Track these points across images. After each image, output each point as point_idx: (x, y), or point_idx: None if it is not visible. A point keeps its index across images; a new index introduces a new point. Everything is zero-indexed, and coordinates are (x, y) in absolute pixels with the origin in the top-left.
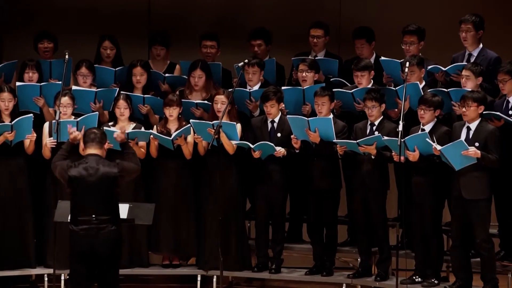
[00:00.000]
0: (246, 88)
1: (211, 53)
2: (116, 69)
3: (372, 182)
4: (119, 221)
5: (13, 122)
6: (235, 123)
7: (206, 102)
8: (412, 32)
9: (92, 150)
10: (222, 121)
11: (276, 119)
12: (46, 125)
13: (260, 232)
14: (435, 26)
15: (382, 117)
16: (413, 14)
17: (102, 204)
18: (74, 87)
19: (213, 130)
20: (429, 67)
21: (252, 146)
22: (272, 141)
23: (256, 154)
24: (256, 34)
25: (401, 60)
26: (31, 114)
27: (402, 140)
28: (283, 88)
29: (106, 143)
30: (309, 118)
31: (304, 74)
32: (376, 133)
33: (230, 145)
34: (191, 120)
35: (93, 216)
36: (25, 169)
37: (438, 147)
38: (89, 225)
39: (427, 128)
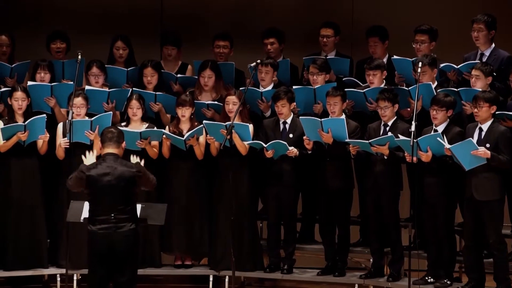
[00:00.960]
0: (258, 88)
1: (223, 53)
2: (128, 69)
3: (385, 182)
4: (137, 220)
5: (26, 123)
6: (247, 124)
7: (217, 103)
8: (423, 31)
9: (110, 149)
10: (235, 122)
11: (288, 120)
12: (60, 126)
13: (272, 233)
14: (447, 26)
15: (395, 117)
16: (426, 15)
17: (121, 203)
18: (87, 87)
19: (226, 131)
20: (441, 65)
21: (265, 145)
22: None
23: (269, 154)
24: (268, 33)
25: (413, 59)
26: (44, 115)
27: (414, 140)
28: (294, 87)
29: (124, 143)
30: (322, 119)
31: (314, 77)
32: (390, 133)
33: (242, 146)
34: (204, 121)
35: (112, 215)
36: (38, 169)
37: (448, 146)
38: (108, 224)
39: (440, 128)
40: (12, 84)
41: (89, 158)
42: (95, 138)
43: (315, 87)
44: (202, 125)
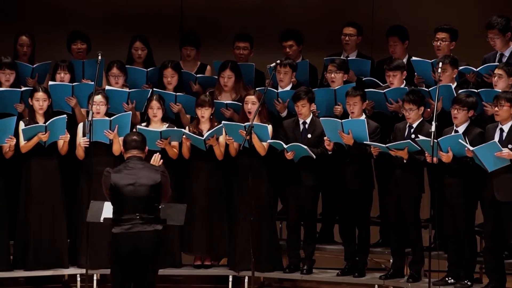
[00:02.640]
0: (277, 89)
1: (243, 54)
2: (148, 69)
3: (406, 185)
4: (161, 221)
5: (47, 123)
6: (266, 124)
7: (236, 102)
8: (444, 30)
9: (134, 152)
10: (254, 122)
11: (308, 120)
12: (80, 126)
13: (292, 233)
14: (467, 27)
15: (421, 119)
16: (446, 15)
17: (145, 205)
18: (107, 87)
19: (245, 132)
20: (461, 67)
21: (285, 146)
22: (303, 142)
23: (289, 155)
24: (286, 35)
25: (432, 60)
26: (65, 115)
27: (435, 140)
28: (314, 89)
29: (146, 148)
30: (342, 120)
31: (332, 75)
32: (413, 135)
33: (261, 146)
34: (223, 122)
35: (137, 216)
36: (59, 170)
37: (471, 148)
38: (133, 225)
39: (461, 129)
40: (33, 85)
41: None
42: (114, 137)
43: (335, 88)
44: (221, 125)
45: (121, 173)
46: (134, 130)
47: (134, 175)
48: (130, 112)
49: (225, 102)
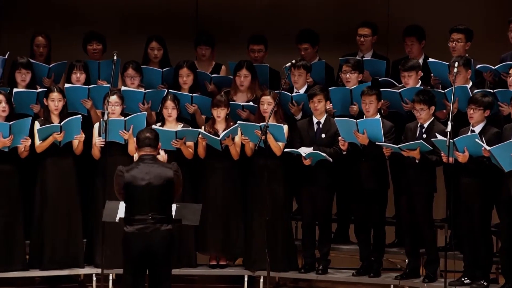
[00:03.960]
0: (293, 89)
1: (258, 56)
2: (163, 70)
3: (418, 185)
4: (173, 220)
5: (62, 123)
6: (282, 124)
7: (252, 104)
8: (460, 31)
9: (147, 151)
10: (269, 122)
11: (322, 120)
12: (96, 126)
13: (307, 233)
14: (483, 27)
15: (432, 118)
16: (462, 15)
17: (158, 204)
18: (123, 88)
19: (260, 132)
20: (478, 66)
21: (303, 154)
22: (317, 142)
23: (307, 162)
24: (301, 38)
25: (448, 63)
26: (80, 115)
27: (451, 140)
28: (330, 88)
29: (160, 145)
30: (357, 120)
31: (347, 75)
32: (425, 135)
33: (277, 146)
34: (238, 122)
35: (149, 215)
36: (74, 169)
37: (488, 148)
38: (145, 224)
39: (477, 129)
40: (49, 84)
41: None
42: (130, 137)
43: (351, 87)
44: (237, 125)
45: (134, 171)
46: None
47: (147, 174)
48: (145, 112)
49: (241, 103)
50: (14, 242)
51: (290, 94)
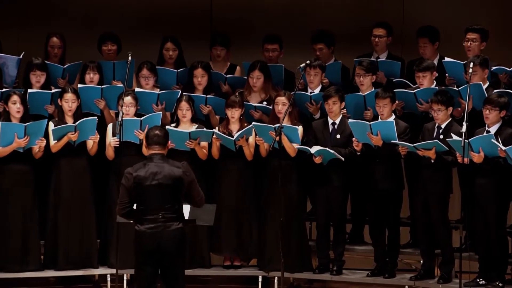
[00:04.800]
0: (307, 89)
1: (273, 56)
2: (178, 70)
3: (434, 186)
4: (185, 220)
5: (76, 123)
6: (296, 126)
7: (265, 105)
8: (475, 30)
9: (156, 149)
10: (284, 124)
11: (337, 121)
12: (110, 126)
13: (321, 234)
14: (499, 28)
15: (450, 119)
16: (477, 16)
17: (168, 203)
18: (137, 89)
19: (275, 133)
20: (493, 68)
21: (312, 152)
22: (332, 143)
23: (317, 160)
24: (316, 38)
25: (465, 62)
26: (96, 117)
27: (466, 141)
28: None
29: (169, 143)
30: (371, 123)
31: (361, 78)
32: (442, 136)
33: (291, 147)
34: (253, 123)
35: (160, 214)
36: (88, 169)
37: (504, 148)
38: (156, 223)
39: (493, 129)
40: (63, 85)
41: None
42: (144, 137)
43: (365, 94)
44: (251, 126)
45: (143, 171)
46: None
47: (156, 173)
48: (161, 112)
49: (254, 104)
50: (29, 243)
51: (308, 94)
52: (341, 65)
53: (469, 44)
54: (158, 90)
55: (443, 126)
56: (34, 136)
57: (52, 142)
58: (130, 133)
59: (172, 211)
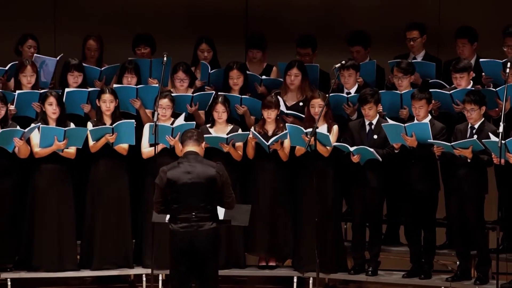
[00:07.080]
0: (343, 90)
1: (306, 59)
2: (211, 71)
3: (469, 186)
4: (218, 219)
5: (114, 125)
6: (329, 131)
7: (295, 113)
8: None
9: (190, 147)
10: (319, 125)
11: (374, 121)
12: (146, 126)
13: (357, 234)
14: None
15: (483, 119)
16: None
17: (202, 202)
18: (173, 94)
19: (307, 138)
20: None
21: (351, 149)
22: (369, 144)
23: (355, 158)
24: (353, 40)
25: (503, 60)
26: (133, 120)
27: (502, 142)
28: (380, 91)
29: (204, 143)
30: (405, 124)
31: (399, 81)
32: (475, 136)
33: (324, 150)
34: (287, 124)
35: (193, 214)
36: (125, 170)
37: None
38: (189, 222)
39: None
40: (100, 87)
41: None
42: (176, 143)
43: (402, 92)
44: (286, 131)
45: (177, 170)
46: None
47: (189, 172)
48: (194, 122)
49: (286, 111)
50: (66, 242)
51: (345, 95)
52: (376, 65)
53: (509, 50)
54: (192, 90)
55: (476, 126)
56: (72, 139)
57: (91, 142)
58: (163, 137)
59: (206, 211)
